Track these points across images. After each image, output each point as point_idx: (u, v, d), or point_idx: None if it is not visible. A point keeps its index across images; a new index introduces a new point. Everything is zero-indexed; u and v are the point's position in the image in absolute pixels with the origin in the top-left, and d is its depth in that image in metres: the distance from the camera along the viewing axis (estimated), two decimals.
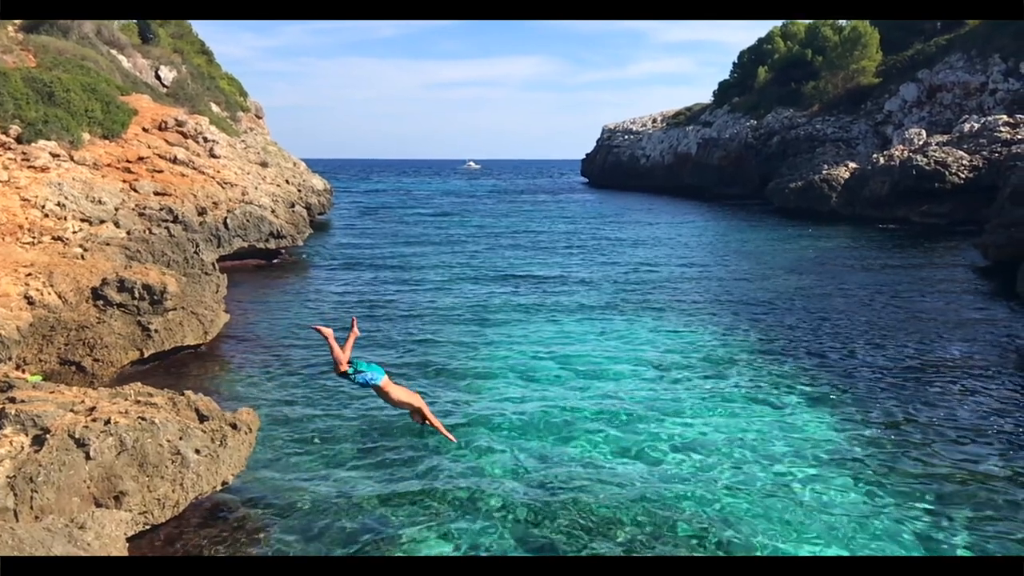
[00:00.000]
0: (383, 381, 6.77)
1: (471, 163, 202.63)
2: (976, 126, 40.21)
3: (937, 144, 40.32)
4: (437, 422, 7.00)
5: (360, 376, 6.70)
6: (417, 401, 6.96)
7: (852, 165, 46.19)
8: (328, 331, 6.84)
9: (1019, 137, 37.30)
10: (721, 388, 12.64)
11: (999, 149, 37.08)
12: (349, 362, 6.67)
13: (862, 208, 41.46)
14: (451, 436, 7.38)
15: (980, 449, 9.99)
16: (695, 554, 7.43)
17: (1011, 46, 45.00)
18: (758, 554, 7.45)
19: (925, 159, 38.67)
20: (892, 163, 40.77)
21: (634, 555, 7.39)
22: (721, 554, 7.44)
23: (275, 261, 26.68)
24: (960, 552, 7.55)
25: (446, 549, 7.62)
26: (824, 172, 46.42)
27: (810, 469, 9.44)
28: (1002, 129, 38.56)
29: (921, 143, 41.63)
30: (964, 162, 37.61)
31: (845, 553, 7.51)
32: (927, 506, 8.44)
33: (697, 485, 8.96)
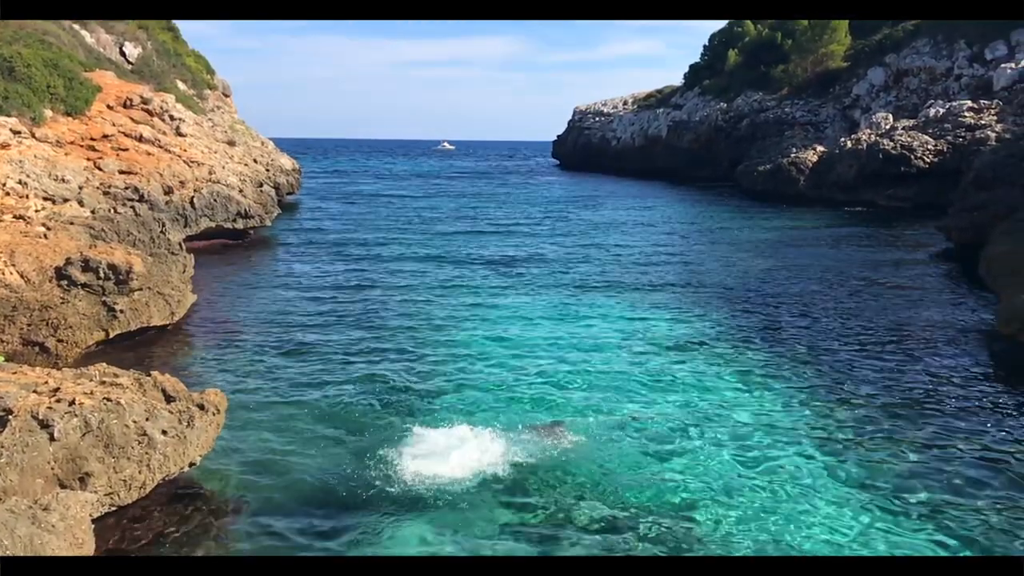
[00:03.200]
0: None
1: (446, 144, 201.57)
2: (941, 111, 40.77)
3: (903, 128, 40.82)
4: None
5: None
6: None
7: (820, 148, 46.64)
8: None
9: (983, 122, 37.88)
10: (691, 374, 12.67)
11: (963, 134, 37.65)
12: None
13: (829, 191, 41.92)
14: None
15: (960, 443, 10.14)
16: (682, 554, 7.33)
17: (976, 33, 45.59)
18: (744, 552, 7.38)
19: (891, 143, 39.15)
20: (859, 147, 41.22)
21: (628, 555, 7.30)
22: (706, 553, 7.33)
23: (243, 241, 26.41)
24: (956, 552, 7.51)
25: (415, 540, 7.52)
26: (792, 155, 46.83)
27: (784, 456, 9.47)
28: (966, 114, 39.12)
29: (888, 127, 42.11)
30: (929, 146, 38.13)
31: (836, 552, 7.37)
32: (919, 503, 8.35)
33: (679, 481, 8.97)
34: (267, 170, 35.43)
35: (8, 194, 16.91)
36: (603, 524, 7.69)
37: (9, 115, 19.93)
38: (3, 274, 12.97)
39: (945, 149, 37.64)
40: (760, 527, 7.66)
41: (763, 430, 10.16)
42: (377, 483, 8.46)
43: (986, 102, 40.10)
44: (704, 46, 75.59)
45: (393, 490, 8.30)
